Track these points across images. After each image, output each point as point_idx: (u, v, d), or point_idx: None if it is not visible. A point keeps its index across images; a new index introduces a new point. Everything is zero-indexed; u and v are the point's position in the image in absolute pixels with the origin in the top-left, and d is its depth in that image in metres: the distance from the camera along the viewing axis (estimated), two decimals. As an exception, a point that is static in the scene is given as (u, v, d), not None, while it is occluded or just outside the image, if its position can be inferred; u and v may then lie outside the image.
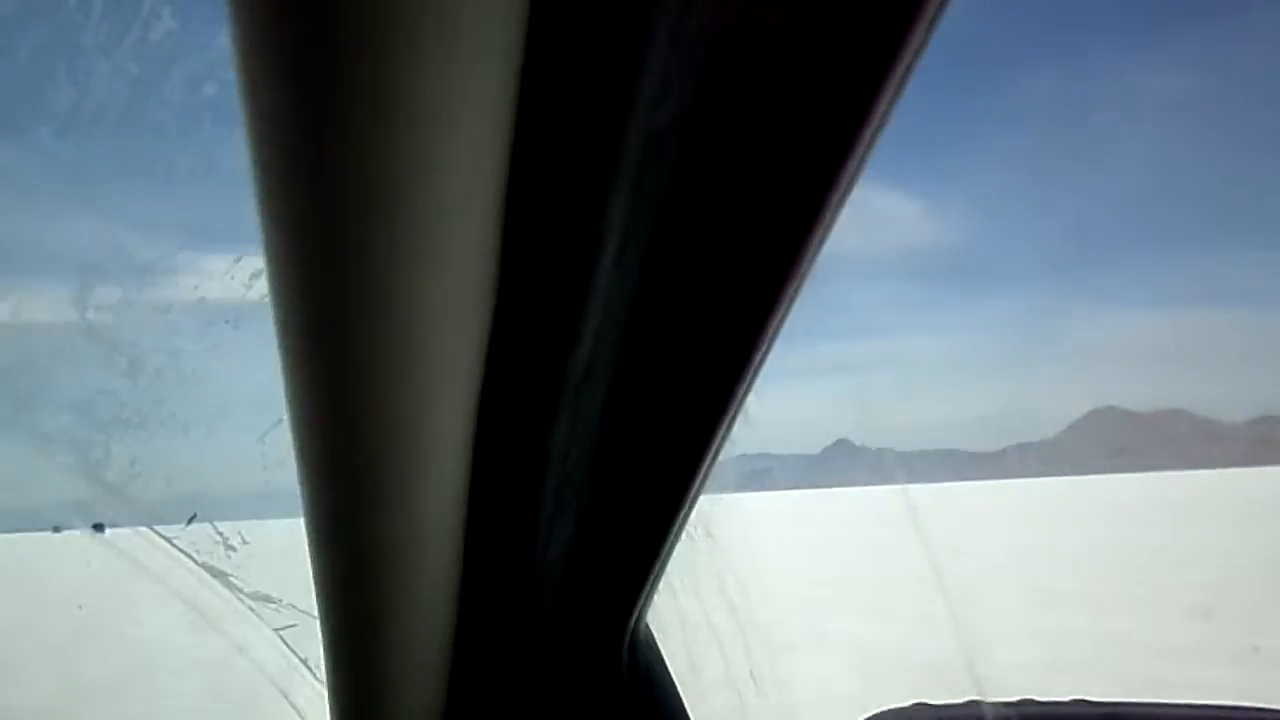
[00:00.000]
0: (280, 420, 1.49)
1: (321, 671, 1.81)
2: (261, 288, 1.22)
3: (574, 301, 0.57)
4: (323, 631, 1.05)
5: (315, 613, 1.78)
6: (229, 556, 1.72)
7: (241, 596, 1.77)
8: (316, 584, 0.83)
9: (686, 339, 0.66)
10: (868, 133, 0.55)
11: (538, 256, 0.54)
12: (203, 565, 1.87)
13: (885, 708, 1.16)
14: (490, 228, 0.50)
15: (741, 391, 0.68)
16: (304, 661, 1.75)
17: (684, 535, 0.84)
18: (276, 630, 1.75)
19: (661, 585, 0.91)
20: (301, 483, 0.75)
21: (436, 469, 0.62)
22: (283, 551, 1.82)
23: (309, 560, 0.92)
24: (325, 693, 1.79)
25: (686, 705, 1.07)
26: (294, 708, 1.93)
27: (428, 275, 0.49)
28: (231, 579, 1.76)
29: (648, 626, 1.03)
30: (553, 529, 0.77)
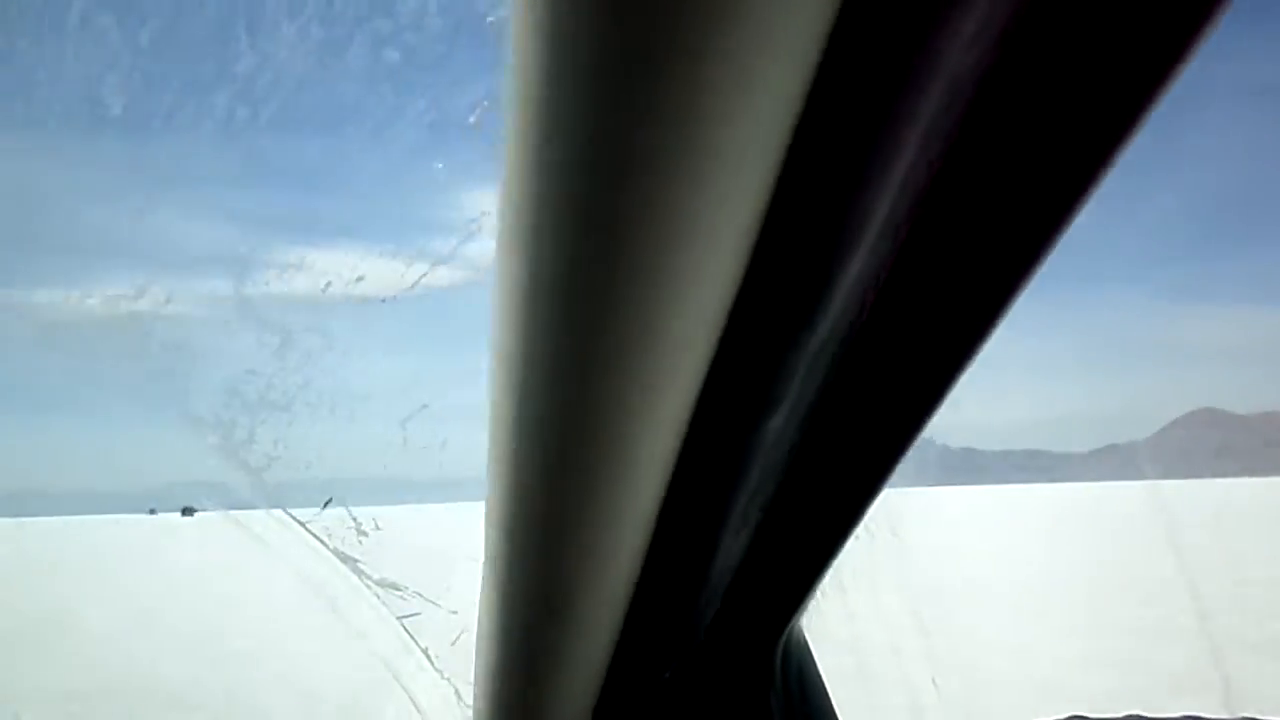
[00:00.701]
0: (424, 406, 1.53)
1: (440, 661, 1.84)
2: (414, 275, 1.26)
3: (817, 294, 0.57)
4: (484, 620, 1.06)
5: (440, 602, 1.81)
6: (360, 542, 1.76)
7: (368, 582, 1.81)
8: (494, 575, 0.84)
9: (912, 332, 0.65)
10: (1131, 133, 0.54)
11: (790, 249, 0.54)
12: (333, 551, 1.92)
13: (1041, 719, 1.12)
14: (745, 217, 0.49)
15: (953, 386, 0.67)
16: (424, 651, 1.77)
17: (862, 532, 0.83)
18: (399, 618, 1.78)
19: (827, 583, 0.90)
20: (494, 474, 0.76)
21: (641, 469, 0.62)
22: (414, 540, 1.88)
23: (485, 549, 0.93)
24: (445, 682, 1.82)
25: (837, 710, 1.04)
26: (409, 695, 1.96)
27: (667, 268, 0.49)
28: (360, 564, 1.81)
29: (801, 628, 1.02)
30: (735, 532, 0.77)
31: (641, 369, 0.54)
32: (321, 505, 1.78)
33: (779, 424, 0.66)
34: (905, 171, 0.53)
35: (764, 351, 0.59)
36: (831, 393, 0.68)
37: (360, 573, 1.84)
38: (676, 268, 0.50)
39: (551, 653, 0.83)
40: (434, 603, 1.67)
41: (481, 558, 1.24)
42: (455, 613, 1.65)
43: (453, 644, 1.72)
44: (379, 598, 1.80)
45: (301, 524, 1.87)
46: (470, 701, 1.75)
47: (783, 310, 0.58)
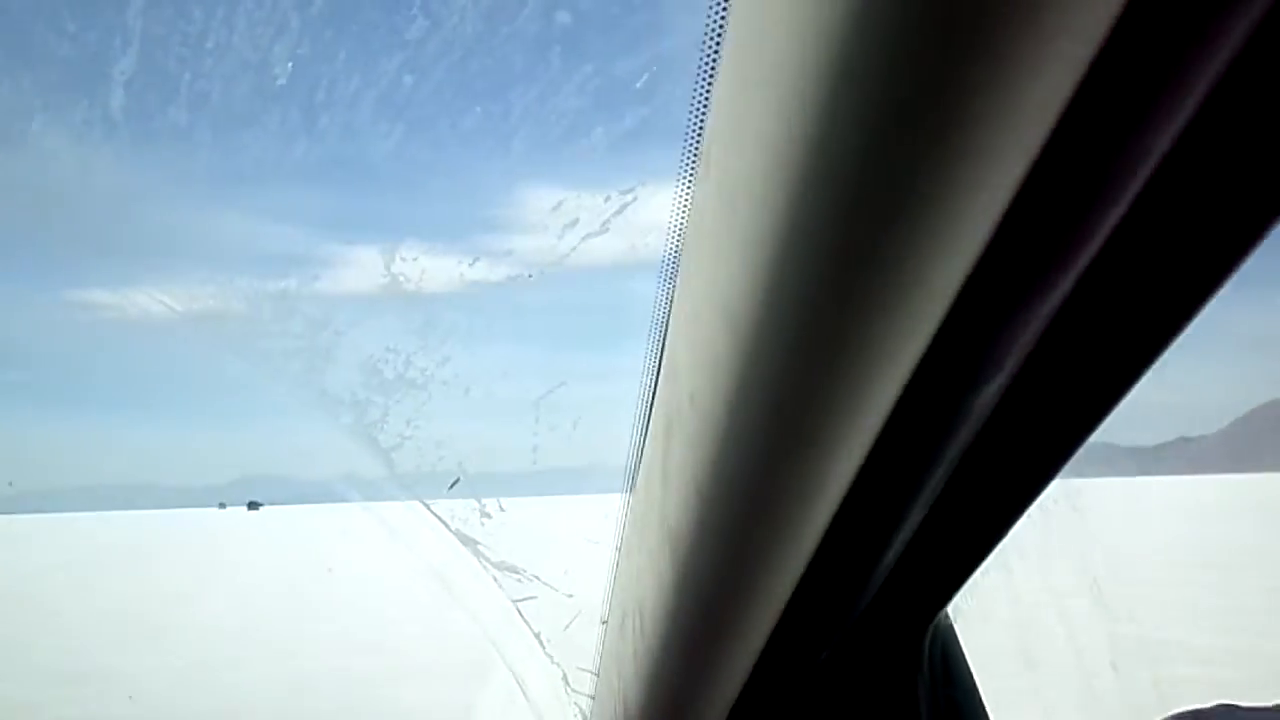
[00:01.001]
0: (562, 383, 1.57)
1: (551, 646, 1.88)
2: (567, 245, 1.30)
3: (1051, 280, 0.56)
4: (629, 605, 1.07)
5: (557, 586, 1.85)
6: (483, 524, 1.81)
7: (487, 565, 1.86)
8: (654, 561, 0.84)
9: (1106, 323, 0.64)
10: None
11: (1025, 248, 0.53)
12: (455, 532, 1.97)
13: (1186, 708, 1.07)
14: (985, 220, 0.47)
15: (1144, 373, 0.66)
16: (537, 635, 1.81)
17: (1035, 511, 0.81)
18: (515, 601, 1.82)
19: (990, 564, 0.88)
20: (657, 462, 0.76)
21: (832, 460, 0.61)
22: (536, 524, 1.92)
23: (634, 538, 0.95)
24: (555, 667, 1.85)
25: (982, 695, 1.03)
26: (516, 681, 1.99)
27: (882, 261, 0.48)
28: (480, 547, 1.85)
29: (949, 613, 1.01)
30: (906, 518, 0.76)
31: (841, 363, 0.53)
32: (448, 486, 1.83)
33: (961, 417, 0.65)
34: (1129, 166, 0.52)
35: (964, 342, 0.58)
36: (1020, 385, 0.66)
37: (480, 555, 1.89)
38: (895, 259, 0.49)
39: (711, 637, 0.84)
40: (551, 586, 1.70)
41: (612, 544, 1.26)
42: (571, 596, 1.68)
43: (565, 628, 1.76)
44: (496, 580, 1.85)
45: (426, 505, 1.93)
46: (578, 688, 1.78)
47: (1008, 300, 0.57)
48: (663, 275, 0.91)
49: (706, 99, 0.66)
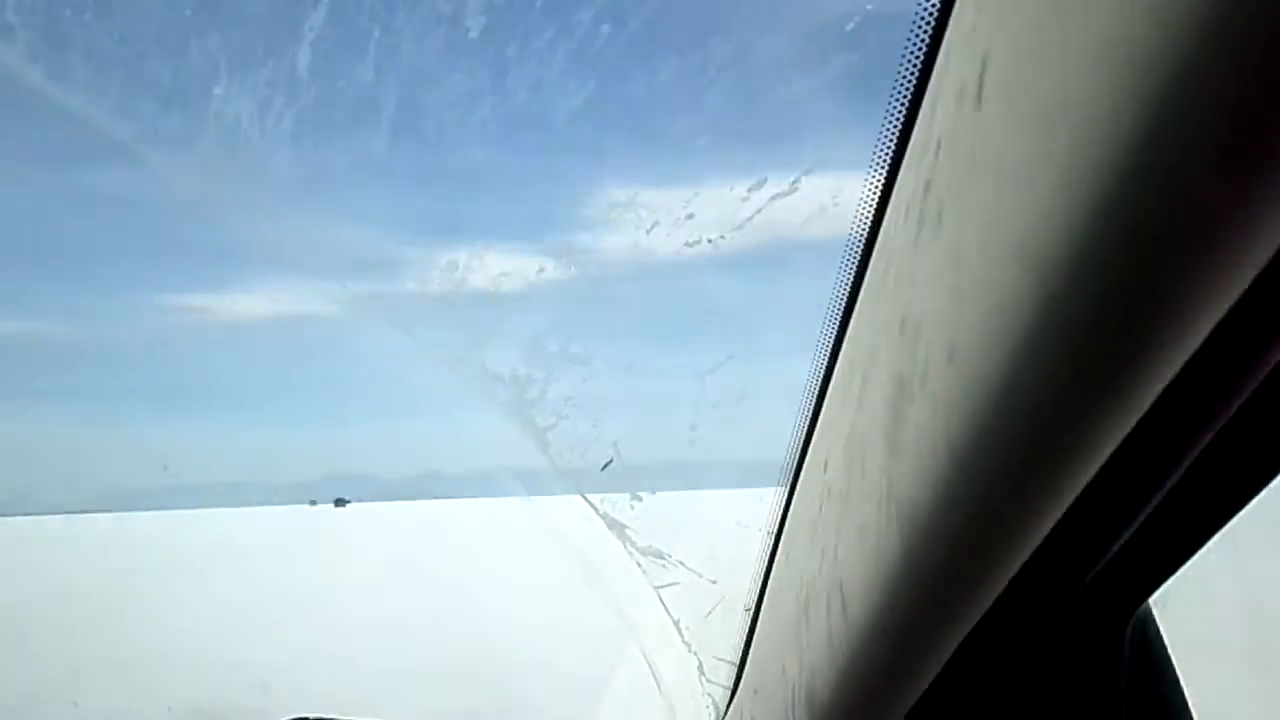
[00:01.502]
0: (729, 358, 1.58)
1: (689, 634, 1.88)
2: (753, 204, 1.30)
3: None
4: (787, 590, 1.05)
5: (701, 572, 1.86)
6: (632, 507, 1.83)
7: (632, 549, 1.88)
8: (850, 550, 0.82)
9: None
10: None
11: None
12: (603, 515, 2.01)
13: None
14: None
15: None
16: (675, 623, 1.82)
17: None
18: (656, 588, 1.84)
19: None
20: (868, 429, 0.75)
21: (1068, 458, 0.59)
22: (686, 510, 1.92)
23: (831, 521, 0.92)
24: (691, 655, 1.86)
25: (1185, 689, 0.98)
26: (650, 666, 2.01)
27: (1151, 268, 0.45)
28: (628, 530, 1.88)
29: (1150, 604, 0.96)
30: (1124, 512, 0.72)
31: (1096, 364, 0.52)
32: (601, 467, 1.86)
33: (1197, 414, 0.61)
34: None
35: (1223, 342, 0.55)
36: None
37: (626, 539, 1.91)
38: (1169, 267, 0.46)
39: (925, 618, 0.79)
40: (695, 572, 1.72)
41: (769, 529, 1.26)
42: (714, 582, 1.69)
43: (706, 616, 1.77)
44: (640, 566, 1.87)
45: (584, 498, 1.96)
46: (713, 678, 1.79)
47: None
48: (845, 257, 0.91)
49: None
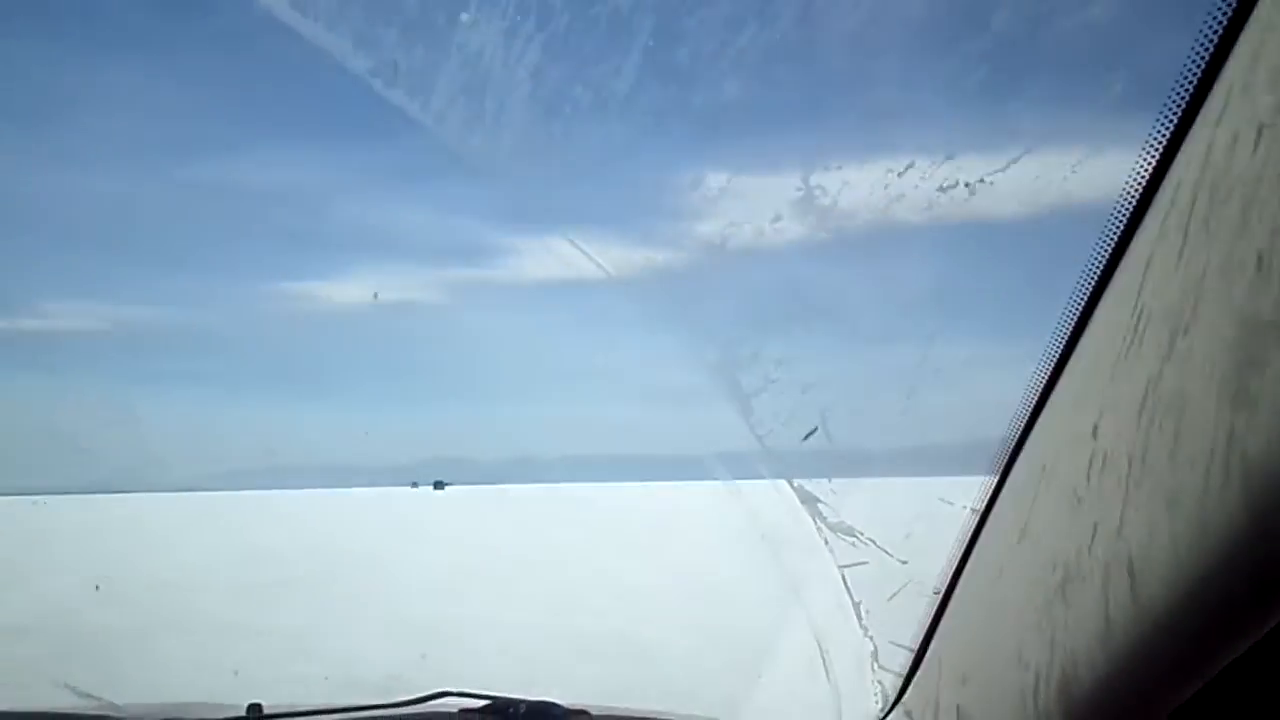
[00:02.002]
0: (949, 333, 1.54)
1: (869, 617, 1.84)
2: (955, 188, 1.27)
3: None
4: (1036, 569, 0.99)
5: (893, 552, 1.81)
6: (829, 479, 1.80)
7: (821, 525, 1.85)
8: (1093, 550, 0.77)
9: None
10: None
11: None
12: (796, 488, 1.98)
13: None
14: None
15: None
16: (856, 605, 1.78)
17: None
18: (841, 567, 1.80)
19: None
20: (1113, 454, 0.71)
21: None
22: (891, 486, 1.88)
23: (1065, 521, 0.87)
24: (866, 639, 1.81)
25: None
26: (820, 649, 1.97)
27: None
28: (820, 505, 1.85)
29: None
30: None
31: None
32: (803, 436, 1.84)
33: None
34: None
35: None
36: None
37: (818, 515, 1.88)
38: None
39: (1229, 598, 0.72)
40: (886, 551, 1.67)
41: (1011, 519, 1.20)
42: (905, 563, 1.64)
43: (890, 599, 1.72)
44: (827, 543, 1.83)
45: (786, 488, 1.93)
46: (886, 664, 1.74)
47: None
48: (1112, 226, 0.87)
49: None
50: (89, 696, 1.79)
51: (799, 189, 1.35)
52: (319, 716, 1.68)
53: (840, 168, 1.30)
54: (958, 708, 1.28)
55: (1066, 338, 0.94)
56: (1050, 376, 0.99)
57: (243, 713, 1.65)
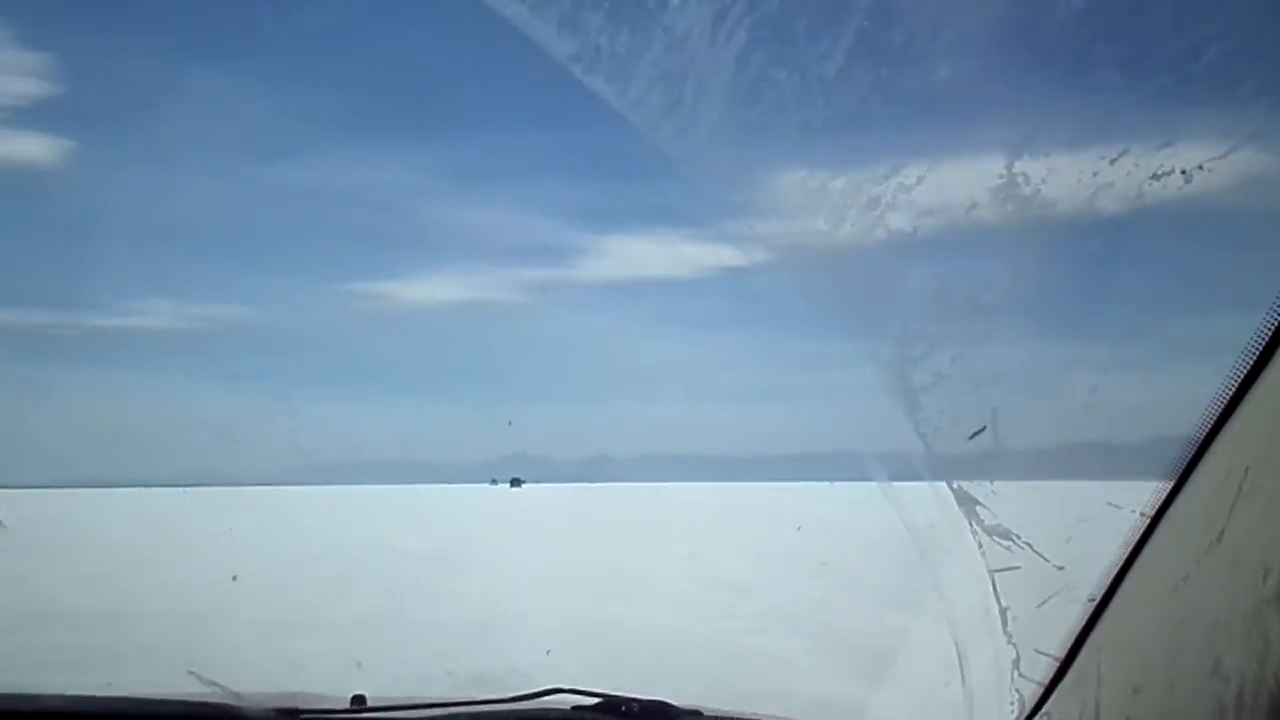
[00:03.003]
0: (1143, 333, 1.48)
1: (1015, 623, 1.79)
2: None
3: None
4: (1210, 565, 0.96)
5: (1048, 556, 1.76)
6: (990, 482, 1.76)
7: (977, 526, 1.81)
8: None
9: None
10: None
11: None
12: (955, 489, 1.94)
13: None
14: None
15: None
16: (1003, 610, 1.74)
17: None
18: (993, 571, 1.76)
19: None
20: None
21: None
22: (1053, 490, 1.82)
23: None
24: (1009, 647, 1.77)
25: None
26: (959, 655, 1.93)
27: None
28: (979, 507, 1.81)
29: None
30: None
31: None
32: (969, 436, 1.81)
33: None
34: None
35: None
36: None
37: (974, 515, 1.84)
38: None
39: None
40: (1042, 556, 1.63)
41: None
42: (1062, 568, 1.60)
43: (1040, 605, 1.68)
44: (981, 546, 1.79)
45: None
46: (1027, 673, 1.69)
47: None
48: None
49: None
50: (213, 684, 1.84)
51: (1000, 176, 1.33)
52: (424, 709, 1.67)
53: (1048, 154, 1.27)
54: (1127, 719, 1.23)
55: (1275, 328, 0.91)
56: (1251, 370, 0.95)
57: (346, 704, 1.68)
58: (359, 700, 1.68)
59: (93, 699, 1.67)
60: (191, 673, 1.92)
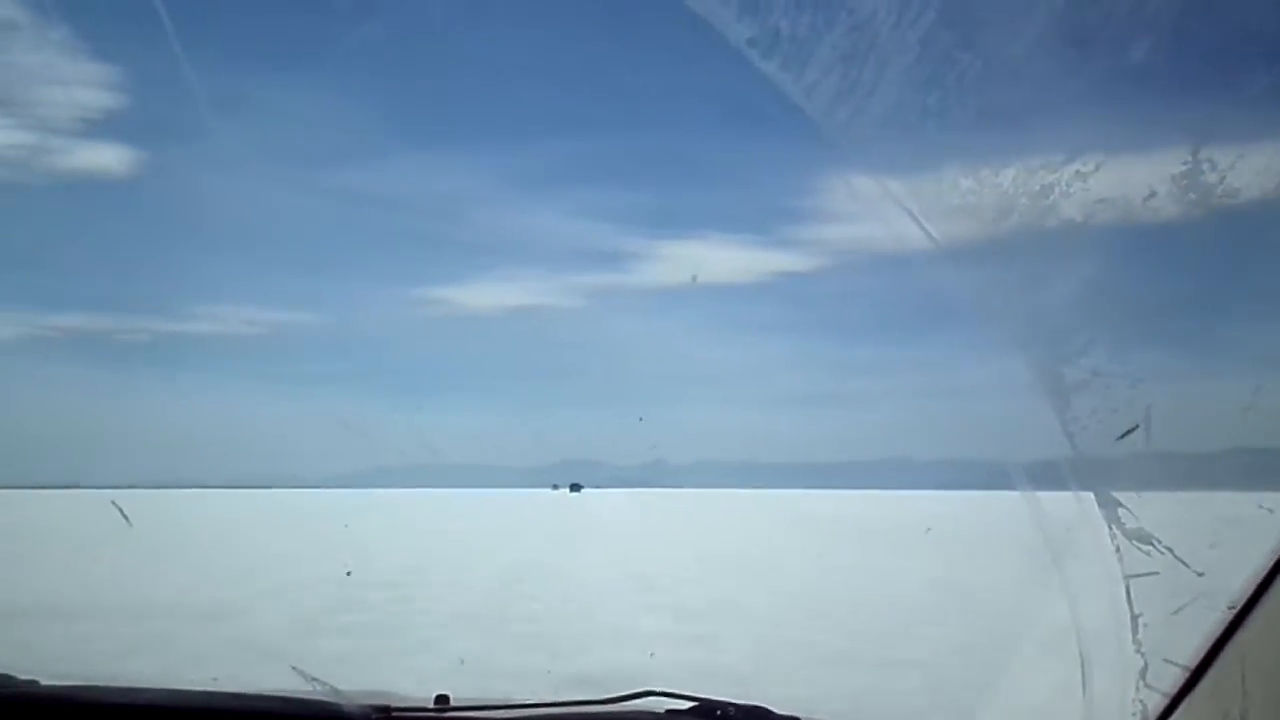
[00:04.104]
0: None
1: (1146, 630, 1.73)
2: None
3: None
4: None
5: (1190, 563, 1.70)
6: (1137, 489, 1.71)
7: (1117, 530, 1.75)
8: None
9: None
10: None
11: None
12: (1098, 494, 1.89)
13: None
14: None
15: None
16: (1135, 617, 1.69)
17: None
18: (1128, 576, 1.71)
19: None
20: None
21: None
22: (1201, 495, 1.75)
23: None
24: (1137, 655, 1.71)
25: None
26: (1082, 663, 1.88)
27: None
28: (1120, 509, 1.75)
29: None
30: None
31: None
32: (1121, 434, 1.75)
33: None
34: None
35: None
36: None
37: (1114, 519, 1.78)
38: None
39: None
40: (1183, 561, 1.57)
41: None
42: (1202, 575, 1.54)
43: (1175, 612, 1.62)
44: (1118, 550, 1.74)
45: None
46: (1154, 683, 1.64)
47: None
48: None
49: None
50: (315, 680, 1.86)
51: (1184, 163, 1.28)
52: (511, 709, 1.66)
53: (1237, 139, 1.22)
54: None
55: None
56: None
57: (430, 703, 1.68)
58: (443, 700, 1.69)
59: (194, 693, 1.70)
60: (295, 669, 1.95)
